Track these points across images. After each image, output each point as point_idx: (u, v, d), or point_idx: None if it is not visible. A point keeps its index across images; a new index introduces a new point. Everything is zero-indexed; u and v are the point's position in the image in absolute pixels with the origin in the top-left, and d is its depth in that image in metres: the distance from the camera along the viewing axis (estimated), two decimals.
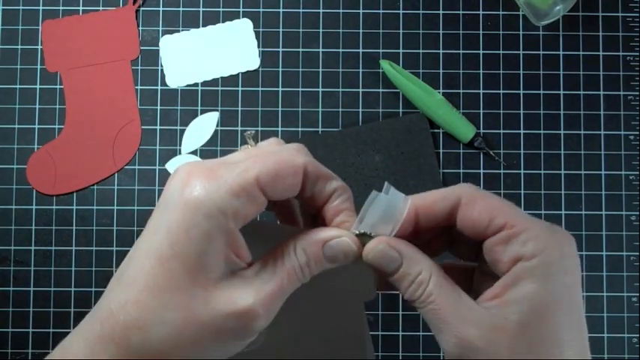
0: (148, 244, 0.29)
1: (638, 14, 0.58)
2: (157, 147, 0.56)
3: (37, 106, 0.56)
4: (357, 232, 0.32)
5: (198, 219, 0.27)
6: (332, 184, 0.32)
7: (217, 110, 0.57)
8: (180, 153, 0.56)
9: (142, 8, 0.57)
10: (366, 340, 0.38)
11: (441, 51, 0.57)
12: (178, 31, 0.57)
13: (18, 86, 0.57)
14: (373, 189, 0.32)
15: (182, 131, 0.57)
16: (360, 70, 0.57)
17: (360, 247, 0.31)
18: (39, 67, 0.57)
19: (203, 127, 0.57)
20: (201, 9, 0.58)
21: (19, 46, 0.57)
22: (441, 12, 0.58)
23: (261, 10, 0.58)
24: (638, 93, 0.57)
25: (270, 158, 0.30)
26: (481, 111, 0.57)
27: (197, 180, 0.28)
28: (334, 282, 0.35)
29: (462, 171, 0.56)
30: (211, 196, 0.28)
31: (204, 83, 0.57)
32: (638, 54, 0.58)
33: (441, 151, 0.57)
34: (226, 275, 0.29)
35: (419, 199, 0.32)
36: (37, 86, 0.57)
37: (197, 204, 0.28)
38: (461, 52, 0.57)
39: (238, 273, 0.29)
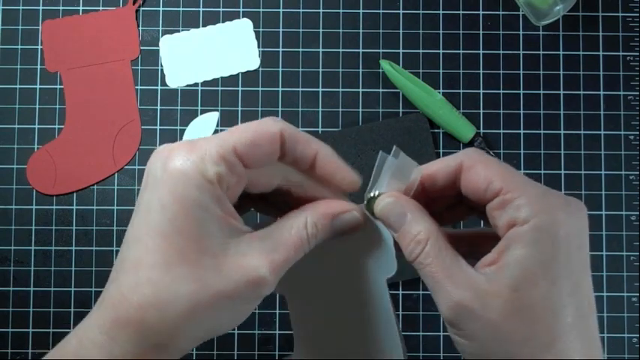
0: (146, 224, 0.29)
1: (638, 14, 0.58)
2: (157, 147, 0.56)
3: (37, 106, 0.56)
4: (370, 196, 0.33)
5: (190, 190, 0.28)
6: (312, 145, 0.33)
7: (217, 110, 0.57)
8: None
9: (142, 8, 0.57)
10: (394, 316, 0.38)
11: (441, 51, 0.57)
12: (178, 31, 0.57)
13: (18, 86, 0.57)
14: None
15: (182, 131, 0.57)
16: (360, 70, 0.57)
17: (364, 218, 0.33)
18: (39, 67, 0.57)
19: (203, 127, 0.57)
20: (201, 9, 0.58)
21: (19, 46, 0.57)
22: (441, 12, 0.58)
23: (261, 10, 0.58)
24: (638, 93, 0.57)
25: (246, 128, 0.31)
26: (481, 111, 0.57)
27: (179, 154, 0.29)
28: (357, 258, 0.36)
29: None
30: (197, 166, 0.28)
31: (204, 83, 0.57)
32: (638, 54, 0.58)
33: (441, 151, 0.57)
34: (231, 241, 0.29)
35: (423, 167, 0.33)
36: (37, 86, 0.57)
37: (185, 176, 0.28)
38: (461, 52, 0.58)
39: (244, 239, 0.30)
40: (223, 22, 0.58)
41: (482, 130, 0.57)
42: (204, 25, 0.58)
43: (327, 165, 0.34)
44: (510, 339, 0.29)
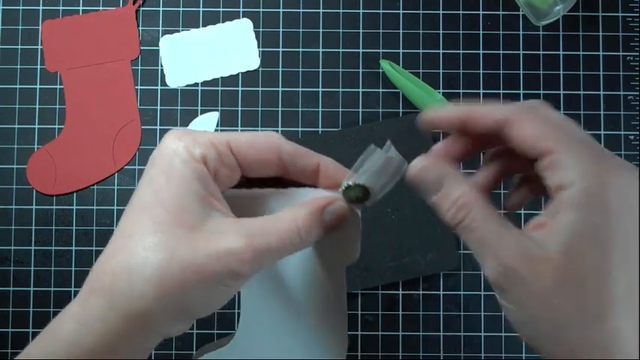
0: (135, 198, 0.31)
1: (638, 14, 0.58)
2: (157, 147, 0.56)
3: (37, 106, 0.56)
4: (348, 184, 0.33)
5: (175, 164, 0.30)
6: (313, 157, 0.33)
7: (217, 110, 0.57)
8: None
9: (142, 8, 0.57)
10: (344, 302, 0.38)
11: (441, 51, 0.58)
12: (178, 31, 0.57)
13: (18, 86, 0.57)
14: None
15: None
16: (360, 70, 0.57)
17: (348, 208, 0.32)
18: (39, 67, 0.57)
19: (203, 127, 0.57)
20: (201, 9, 0.58)
21: (19, 46, 0.57)
22: (441, 12, 0.58)
23: (261, 10, 0.58)
24: (638, 93, 0.57)
25: (247, 132, 0.33)
26: None
27: (174, 136, 0.31)
28: (321, 245, 0.35)
29: (462, 171, 0.56)
30: (186, 145, 0.30)
31: (204, 83, 0.57)
32: (638, 54, 0.58)
33: None
34: (210, 219, 0.30)
35: (472, 107, 0.31)
36: (37, 86, 0.57)
37: (173, 153, 0.30)
38: (461, 52, 0.58)
39: (225, 221, 0.30)
40: (223, 22, 0.58)
41: None
42: (204, 25, 0.58)
43: (330, 173, 0.34)
44: (559, 308, 0.27)
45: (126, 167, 0.56)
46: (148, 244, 0.29)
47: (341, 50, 0.57)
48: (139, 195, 0.30)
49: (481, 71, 0.57)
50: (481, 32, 0.58)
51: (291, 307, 0.37)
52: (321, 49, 0.57)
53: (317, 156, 0.34)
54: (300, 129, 0.57)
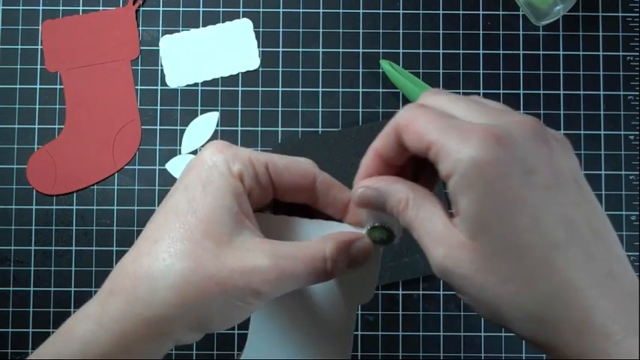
0: (168, 203, 0.31)
1: (638, 14, 0.58)
2: (157, 147, 0.56)
3: (37, 106, 0.56)
4: (374, 224, 0.33)
5: (213, 176, 0.30)
6: (346, 192, 0.33)
7: (217, 110, 0.57)
8: (180, 153, 0.56)
9: (142, 8, 0.57)
10: (350, 340, 0.38)
11: (441, 51, 0.58)
12: (178, 31, 0.57)
13: (18, 86, 0.57)
14: None
15: (182, 131, 0.57)
16: (360, 70, 0.57)
17: (374, 248, 0.33)
18: (39, 67, 0.57)
19: (203, 127, 0.57)
20: (201, 9, 0.58)
21: (19, 46, 0.57)
22: (441, 12, 0.58)
23: (261, 10, 0.58)
24: (638, 93, 0.57)
25: (286, 157, 0.33)
26: None
27: (216, 148, 0.31)
28: (337, 281, 0.35)
29: None
30: (225, 159, 0.31)
31: (204, 83, 0.57)
32: (638, 54, 0.58)
33: None
34: (240, 236, 0.30)
35: (374, 145, 0.32)
36: (37, 86, 0.57)
37: (213, 164, 0.31)
38: (461, 52, 0.58)
39: (254, 239, 0.30)
40: (223, 22, 0.58)
41: None
42: (204, 25, 0.58)
43: (359, 210, 0.33)
44: (488, 286, 0.28)
45: (126, 167, 0.56)
46: (175, 251, 0.29)
47: (341, 50, 0.57)
48: (173, 200, 0.30)
49: (481, 71, 0.57)
50: (481, 32, 0.58)
51: (297, 336, 0.37)
52: (321, 49, 0.57)
53: (348, 191, 0.33)
54: (300, 129, 0.57)
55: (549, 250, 0.27)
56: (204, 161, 0.31)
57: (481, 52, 0.58)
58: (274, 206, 0.35)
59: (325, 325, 0.37)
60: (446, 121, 0.28)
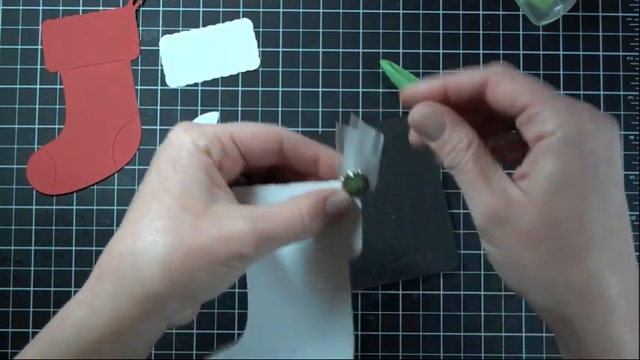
0: (142, 187, 0.32)
1: (638, 14, 0.58)
2: (157, 147, 0.56)
3: (37, 106, 0.56)
4: (348, 175, 0.34)
5: (182, 155, 0.31)
6: (313, 146, 0.35)
7: (217, 110, 0.57)
8: None
9: (142, 8, 0.57)
10: (348, 298, 0.38)
11: (441, 51, 0.57)
12: (178, 31, 0.57)
13: (18, 86, 0.57)
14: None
15: None
16: (360, 70, 0.57)
17: (350, 200, 0.33)
18: (39, 67, 0.57)
19: None
20: (201, 9, 0.58)
21: (19, 46, 0.57)
22: (441, 12, 0.58)
23: (261, 10, 0.58)
24: (638, 93, 0.57)
25: (249, 123, 0.35)
26: None
27: (181, 129, 0.33)
28: (324, 240, 0.36)
29: None
30: (192, 137, 0.32)
31: (204, 83, 0.57)
32: (638, 54, 0.58)
33: None
34: (215, 205, 0.31)
35: (449, 77, 0.33)
36: (37, 86, 0.57)
37: (180, 144, 0.32)
38: (461, 52, 0.58)
39: (229, 207, 0.31)
40: (223, 22, 0.58)
41: None
42: (204, 25, 0.58)
43: (330, 162, 0.35)
44: (539, 249, 0.29)
45: (126, 167, 0.56)
46: (155, 227, 0.30)
47: (341, 50, 0.57)
48: (147, 183, 0.32)
49: None
50: (481, 32, 0.58)
51: (297, 304, 0.38)
52: (321, 49, 0.57)
53: (317, 145, 0.35)
54: (300, 129, 0.57)
55: (597, 244, 0.29)
56: (172, 142, 0.32)
57: (481, 52, 0.58)
58: (250, 181, 0.36)
59: (321, 288, 0.37)
60: (545, 90, 0.30)
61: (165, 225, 0.30)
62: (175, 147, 0.32)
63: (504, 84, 0.31)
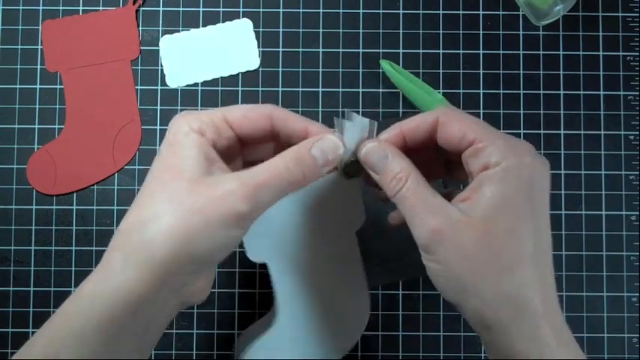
0: (148, 173, 0.35)
1: (638, 14, 0.58)
2: (157, 147, 0.56)
3: (37, 106, 0.56)
4: (351, 160, 0.38)
5: (179, 137, 0.35)
6: (303, 122, 0.38)
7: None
8: None
9: (142, 8, 0.57)
10: (361, 265, 0.44)
11: (441, 51, 0.58)
12: (178, 31, 0.57)
13: (18, 86, 0.57)
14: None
15: None
16: (360, 70, 0.57)
17: (339, 144, 0.37)
18: (39, 67, 0.57)
19: None
20: (201, 9, 0.58)
21: (19, 46, 0.57)
22: (441, 12, 0.58)
23: (261, 10, 0.58)
24: (638, 93, 0.57)
25: (241, 106, 0.38)
26: (481, 111, 0.57)
27: (179, 116, 0.36)
28: (328, 218, 0.42)
29: None
30: (187, 122, 0.35)
31: (204, 83, 0.57)
32: (638, 54, 0.58)
33: None
34: (210, 176, 0.34)
35: (404, 122, 0.38)
36: (37, 86, 0.57)
37: (177, 129, 0.35)
38: (461, 52, 0.58)
39: (223, 175, 0.34)
40: (223, 22, 0.58)
41: None
42: (204, 25, 0.58)
43: (318, 134, 0.37)
44: (477, 261, 0.32)
45: (126, 167, 0.56)
46: (156, 199, 0.33)
47: (341, 50, 0.57)
48: (152, 168, 0.35)
49: (481, 71, 0.57)
50: (481, 32, 0.58)
51: (317, 283, 0.43)
52: (321, 49, 0.57)
53: (306, 120, 0.38)
54: None
55: (528, 259, 0.33)
56: (170, 129, 0.36)
57: (481, 52, 0.58)
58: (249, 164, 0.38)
59: (334, 261, 0.43)
60: (489, 128, 0.35)
61: (165, 197, 0.33)
62: (172, 132, 0.35)
63: (453, 124, 0.35)
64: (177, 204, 0.32)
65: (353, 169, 0.38)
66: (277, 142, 0.39)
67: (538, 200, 0.34)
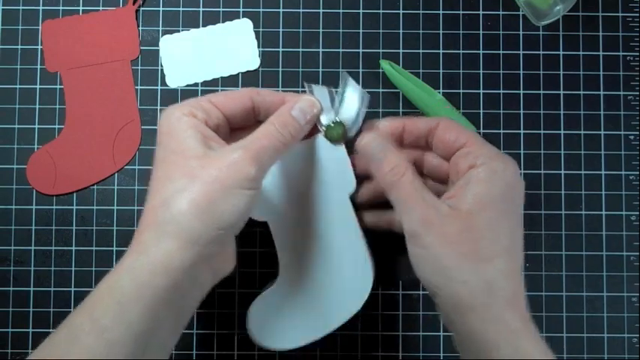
0: (153, 163, 0.39)
1: (638, 14, 0.58)
2: None
3: (37, 106, 0.57)
4: (333, 122, 0.45)
5: (173, 123, 0.39)
6: (281, 94, 0.44)
7: None
8: None
9: (142, 8, 0.57)
10: (360, 230, 0.47)
11: (441, 51, 0.58)
12: (178, 31, 0.57)
13: (18, 86, 0.57)
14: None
15: None
16: (360, 70, 0.57)
17: (315, 102, 0.44)
18: (39, 67, 0.57)
19: None
20: (201, 9, 0.58)
21: (19, 46, 0.57)
22: (440, 12, 0.58)
23: (261, 10, 0.58)
24: (638, 93, 0.57)
25: (224, 92, 0.43)
26: (481, 111, 0.57)
27: (170, 107, 0.41)
28: (322, 182, 0.46)
29: None
30: (177, 108, 0.40)
31: (204, 83, 0.57)
32: (638, 54, 0.58)
33: None
34: (212, 150, 0.38)
35: (408, 119, 0.44)
36: (37, 86, 0.57)
37: (170, 116, 0.40)
38: (461, 52, 0.58)
39: (225, 147, 0.39)
40: (223, 22, 0.58)
41: (482, 130, 0.57)
42: (204, 25, 0.58)
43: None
44: (459, 249, 0.36)
45: (126, 167, 0.56)
46: (172, 180, 0.37)
47: (341, 50, 0.57)
48: (156, 157, 0.39)
49: (481, 71, 0.57)
50: (481, 32, 0.58)
51: (316, 245, 0.46)
52: (321, 49, 0.57)
53: (284, 93, 0.44)
54: None
55: (505, 252, 0.37)
56: (163, 119, 0.40)
57: (481, 52, 0.58)
58: None
59: (330, 218, 0.46)
60: (480, 137, 0.42)
61: (180, 173, 0.37)
62: (167, 120, 0.40)
63: (451, 129, 0.42)
64: (193, 178, 0.36)
65: (334, 132, 0.45)
66: (259, 116, 0.44)
67: (516, 202, 0.39)
